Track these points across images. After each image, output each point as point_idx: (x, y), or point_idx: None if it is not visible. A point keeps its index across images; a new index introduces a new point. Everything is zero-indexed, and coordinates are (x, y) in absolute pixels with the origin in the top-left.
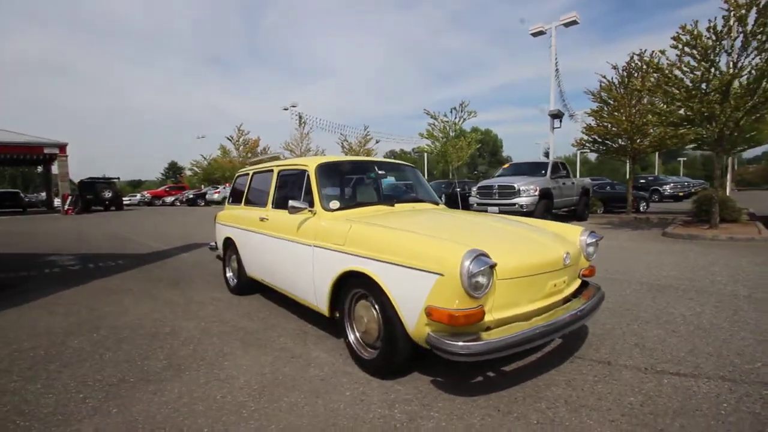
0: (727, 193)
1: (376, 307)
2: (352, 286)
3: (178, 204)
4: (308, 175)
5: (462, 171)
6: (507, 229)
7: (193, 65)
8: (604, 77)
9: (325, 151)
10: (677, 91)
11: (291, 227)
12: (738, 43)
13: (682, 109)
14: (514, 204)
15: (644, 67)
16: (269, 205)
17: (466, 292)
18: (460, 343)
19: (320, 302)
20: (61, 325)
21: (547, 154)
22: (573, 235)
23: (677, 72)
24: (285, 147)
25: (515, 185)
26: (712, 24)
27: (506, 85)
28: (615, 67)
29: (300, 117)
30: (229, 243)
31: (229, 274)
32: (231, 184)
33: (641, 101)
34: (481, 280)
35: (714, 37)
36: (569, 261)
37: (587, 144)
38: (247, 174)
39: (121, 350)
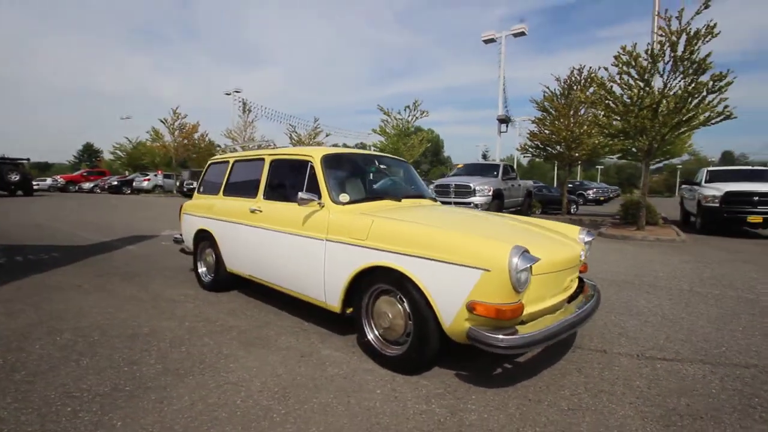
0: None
1: (405, 302)
2: (373, 282)
3: (98, 191)
4: (312, 166)
5: None
6: (525, 227)
7: (114, 35)
8: (548, 88)
9: (275, 142)
10: (616, 106)
11: (294, 220)
12: (668, 67)
13: (620, 122)
14: (470, 203)
15: (583, 81)
16: (260, 195)
17: (513, 287)
18: (501, 336)
19: (331, 299)
20: (8, 327)
21: (485, 156)
22: (572, 233)
23: (616, 88)
24: (226, 135)
25: (471, 185)
26: (649, 48)
27: (447, 87)
28: (558, 79)
29: (244, 103)
30: (203, 236)
31: (201, 269)
32: (203, 173)
33: (578, 112)
34: (525, 275)
35: (650, 59)
36: (583, 257)
37: (530, 149)
38: (226, 162)
39: (99, 355)
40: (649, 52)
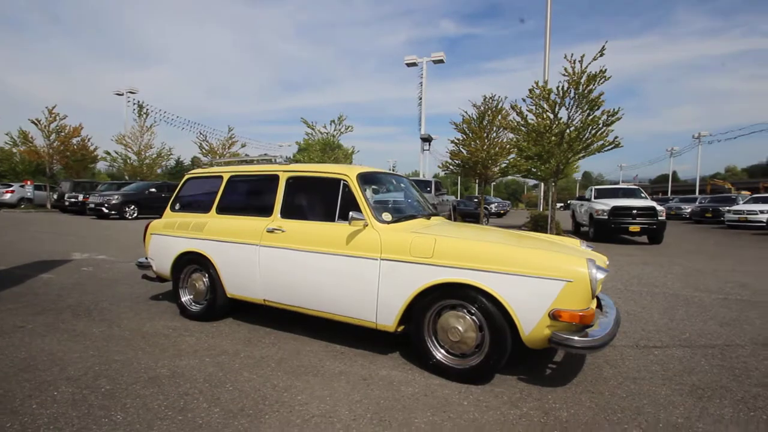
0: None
1: (478, 316)
2: (439, 298)
3: None
4: (346, 185)
5: None
6: (551, 241)
7: None
8: (466, 112)
9: (172, 150)
10: (531, 133)
11: (334, 240)
12: (571, 102)
13: (535, 147)
14: None
15: (494, 108)
16: (276, 214)
17: (591, 295)
18: (577, 338)
19: (385, 318)
20: None
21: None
22: (577, 245)
23: (531, 117)
24: (118, 140)
25: None
26: (559, 85)
27: (348, 103)
28: (475, 105)
29: (140, 106)
30: (189, 259)
31: (185, 298)
32: (178, 188)
33: (489, 135)
34: (597, 284)
35: (560, 95)
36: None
37: (451, 166)
38: (217, 177)
39: (131, 406)
40: (559, 89)
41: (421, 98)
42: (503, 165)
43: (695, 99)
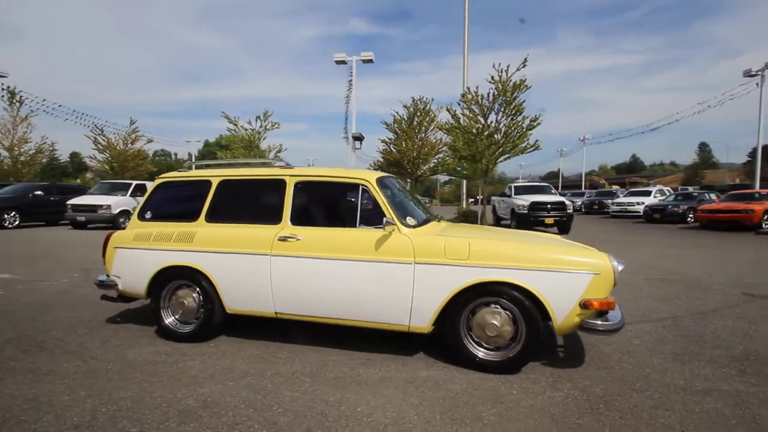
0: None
1: (513, 310)
2: (475, 297)
3: None
4: (366, 190)
5: None
6: (562, 239)
7: None
8: (397, 112)
9: (55, 145)
10: (466, 135)
11: (361, 246)
12: (499, 107)
13: (467, 148)
14: None
15: (422, 109)
16: (285, 221)
17: (614, 285)
18: (600, 322)
19: (419, 321)
20: None
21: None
22: (558, 239)
23: (464, 120)
24: None
25: None
26: (488, 92)
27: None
28: (406, 107)
29: (11, 93)
30: (173, 274)
31: (169, 319)
32: (149, 193)
33: (417, 136)
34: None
35: (491, 101)
36: None
37: (383, 165)
38: (203, 182)
39: None
40: (489, 95)
41: (348, 97)
42: (432, 164)
43: (575, 106)
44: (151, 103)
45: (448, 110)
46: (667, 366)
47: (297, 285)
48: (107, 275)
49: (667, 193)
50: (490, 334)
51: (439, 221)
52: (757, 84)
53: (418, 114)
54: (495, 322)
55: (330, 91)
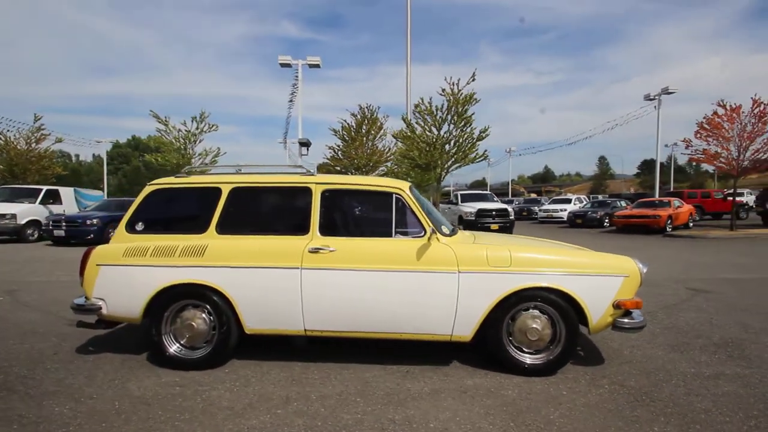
0: None
1: (553, 314)
2: (515, 304)
3: None
4: (400, 199)
5: None
6: (578, 247)
7: None
8: (345, 120)
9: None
10: (422, 143)
11: (399, 257)
12: (451, 118)
13: (422, 157)
14: None
15: (370, 117)
16: (314, 231)
17: (639, 286)
18: (627, 320)
19: (462, 330)
20: None
21: None
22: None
23: (418, 128)
24: None
25: None
26: (442, 104)
27: (176, 96)
28: (354, 115)
29: None
30: (178, 293)
31: (174, 347)
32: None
33: (366, 144)
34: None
35: (444, 112)
36: None
37: (333, 171)
38: (212, 188)
39: None
40: (442, 107)
41: (292, 101)
42: (381, 171)
43: (497, 119)
44: (57, 97)
45: (403, 119)
46: (672, 357)
47: (332, 300)
48: (86, 297)
49: (584, 201)
50: (531, 338)
51: (464, 230)
52: (655, 107)
53: (366, 122)
54: (536, 326)
55: (261, 93)
